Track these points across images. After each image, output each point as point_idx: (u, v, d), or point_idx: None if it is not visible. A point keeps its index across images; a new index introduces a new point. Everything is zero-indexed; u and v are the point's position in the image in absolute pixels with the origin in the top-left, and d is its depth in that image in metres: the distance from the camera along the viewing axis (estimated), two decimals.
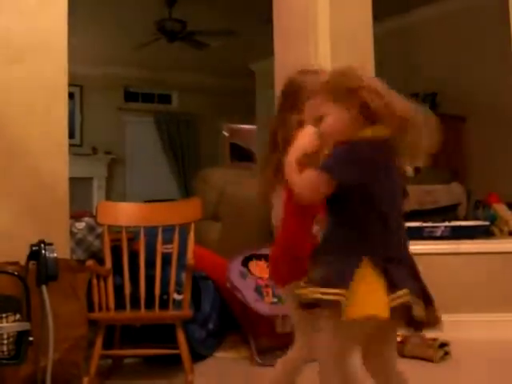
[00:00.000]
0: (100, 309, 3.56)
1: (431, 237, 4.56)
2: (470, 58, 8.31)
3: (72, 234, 4.20)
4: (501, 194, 5.42)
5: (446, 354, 3.92)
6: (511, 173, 5.04)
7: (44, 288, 3.02)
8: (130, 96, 12.41)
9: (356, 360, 2.06)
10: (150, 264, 3.76)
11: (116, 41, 9.71)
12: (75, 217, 4.33)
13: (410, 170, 2.11)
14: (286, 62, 5.07)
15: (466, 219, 5.06)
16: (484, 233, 4.86)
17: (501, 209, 5.21)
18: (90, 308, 3.59)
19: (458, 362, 3.88)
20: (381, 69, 5.17)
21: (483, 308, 4.37)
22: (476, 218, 5.24)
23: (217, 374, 3.85)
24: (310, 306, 2.03)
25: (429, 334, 3.92)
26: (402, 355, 3.98)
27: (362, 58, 4.97)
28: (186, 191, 11.94)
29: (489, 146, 7.81)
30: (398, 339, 4.14)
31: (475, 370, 3.74)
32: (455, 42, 8.51)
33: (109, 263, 3.71)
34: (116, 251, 3.82)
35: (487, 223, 4.96)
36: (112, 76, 11.65)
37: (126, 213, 3.90)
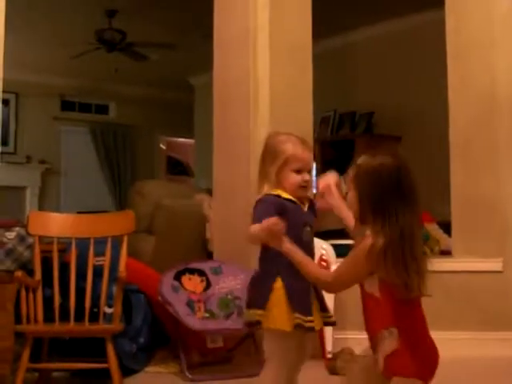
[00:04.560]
0: (28, 321, 3.49)
1: None
2: (406, 78, 8.46)
3: (1, 243, 4.11)
4: (433, 213, 5.50)
5: None
6: (442, 192, 5.12)
7: None
8: (66, 105, 12.26)
9: None
10: (81, 276, 3.70)
11: (54, 48, 9.60)
12: (5, 226, 4.24)
13: None
14: (224, 77, 5.08)
15: None
16: None
17: (432, 228, 5.29)
18: (18, 320, 3.51)
19: None
20: (320, 87, 5.22)
21: None
22: None
23: None
24: None
25: (358, 351, 3.95)
26: (333, 372, 4.00)
27: (300, 76, 5.01)
28: (121, 203, 11.84)
29: (421, 165, 7.92)
30: (329, 356, 4.17)
31: None
32: (392, 62, 8.65)
33: (38, 274, 3.65)
34: (46, 262, 3.76)
35: None
36: (49, 84, 11.50)
37: (57, 223, 3.84)
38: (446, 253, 5.03)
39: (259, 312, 2.55)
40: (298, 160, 2.69)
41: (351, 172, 2.28)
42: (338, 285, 2.27)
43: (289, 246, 2.37)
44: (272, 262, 2.62)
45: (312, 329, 2.58)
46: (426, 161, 7.88)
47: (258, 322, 2.56)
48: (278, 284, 2.56)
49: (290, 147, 2.71)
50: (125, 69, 9.97)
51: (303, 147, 2.74)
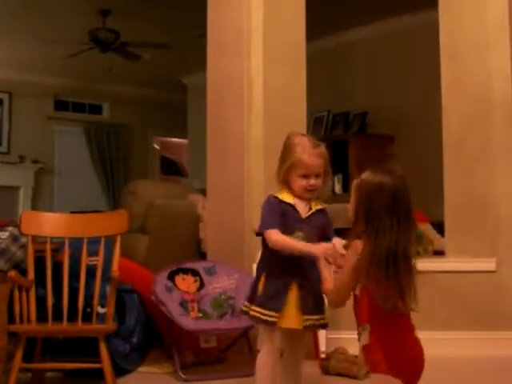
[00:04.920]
0: (21, 321, 3.49)
1: None
2: (399, 78, 8.47)
3: None
4: (426, 213, 5.51)
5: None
6: (436, 192, 5.12)
7: None
8: (60, 105, 12.24)
9: None
10: (75, 276, 3.69)
11: (48, 48, 9.57)
12: None
13: None
14: (218, 77, 5.07)
15: None
16: None
17: (425, 228, 5.30)
18: (11, 319, 3.51)
19: None
20: (313, 87, 5.22)
21: None
22: None
23: None
24: None
25: (352, 351, 3.95)
26: (327, 372, 4.00)
27: (294, 76, 5.01)
28: (115, 203, 11.82)
29: (415, 166, 7.96)
30: (323, 356, 4.17)
31: None
32: (386, 62, 8.66)
33: (31, 274, 3.64)
34: (40, 262, 3.75)
35: None
36: (42, 84, 11.48)
37: (50, 223, 3.83)
38: (439, 253, 5.04)
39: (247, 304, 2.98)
40: (303, 166, 2.89)
41: (354, 183, 2.43)
42: (340, 300, 2.42)
43: (323, 263, 2.60)
44: (262, 264, 2.98)
45: (270, 322, 2.84)
46: (420, 161, 7.91)
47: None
48: (261, 282, 2.91)
49: (297, 153, 2.91)
50: (118, 69, 9.96)
51: (310, 153, 2.91)
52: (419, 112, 8.06)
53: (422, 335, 4.28)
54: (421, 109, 7.97)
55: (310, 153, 2.91)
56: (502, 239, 4.72)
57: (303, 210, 2.93)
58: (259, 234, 2.96)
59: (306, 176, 2.90)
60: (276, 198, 2.91)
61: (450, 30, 4.96)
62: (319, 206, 2.98)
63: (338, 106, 9.13)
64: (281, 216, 2.86)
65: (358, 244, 2.29)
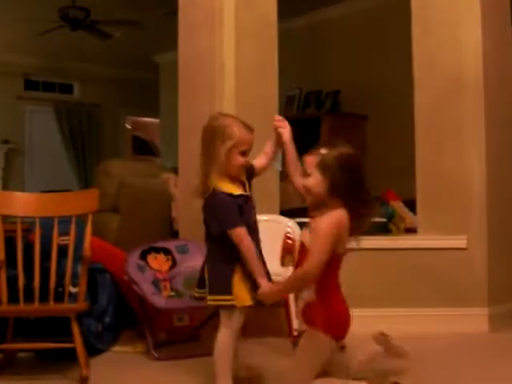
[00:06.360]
0: None
1: None
2: (372, 56, 8.46)
3: None
4: (398, 191, 5.53)
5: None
6: (408, 170, 5.14)
7: None
8: (30, 84, 12.13)
9: None
10: (46, 256, 3.67)
11: (16, 26, 9.46)
12: None
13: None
14: (190, 55, 5.05)
15: None
16: (381, 230, 4.95)
17: (398, 206, 5.31)
18: None
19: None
20: (285, 66, 5.20)
21: (380, 303, 4.46)
22: None
23: (113, 368, 3.80)
24: None
25: None
26: None
27: (266, 54, 4.99)
28: (86, 183, 11.77)
29: (387, 144, 7.99)
30: (295, 333, 4.18)
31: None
32: (358, 40, 8.65)
33: (2, 254, 3.60)
34: (10, 242, 3.72)
35: (384, 220, 5.05)
36: (11, 63, 11.37)
37: (21, 203, 3.79)
38: (411, 230, 5.07)
39: None
40: (244, 143, 2.92)
41: (314, 159, 2.64)
42: (319, 267, 2.53)
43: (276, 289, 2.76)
44: (209, 254, 3.15)
45: (229, 306, 2.91)
46: (392, 139, 7.93)
47: None
48: (208, 270, 3.11)
49: (237, 130, 2.92)
50: (89, 47, 9.87)
51: (247, 130, 2.95)
52: (392, 90, 8.06)
53: (394, 312, 4.33)
54: (394, 87, 7.96)
55: (246, 130, 2.94)
56: (473, 216, 4.75)
57: (245, 185, 2.98)
58: (218, 234, 2.94)
59: (244, 153, 2.93)
60: (226, 194, 2.89)
61: (422, 5, 4.95)
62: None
63: (310, 84, 9.13)
64: (240, 213, 2.86)
65: (336, 214, 2.50)
